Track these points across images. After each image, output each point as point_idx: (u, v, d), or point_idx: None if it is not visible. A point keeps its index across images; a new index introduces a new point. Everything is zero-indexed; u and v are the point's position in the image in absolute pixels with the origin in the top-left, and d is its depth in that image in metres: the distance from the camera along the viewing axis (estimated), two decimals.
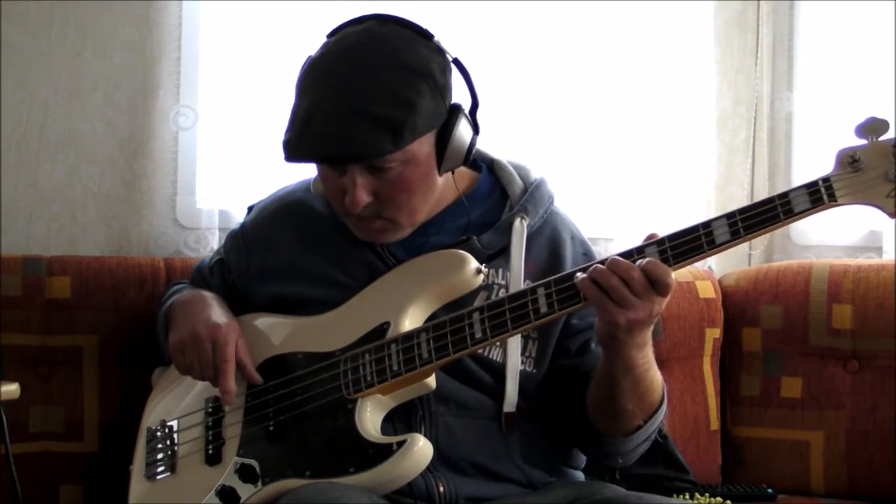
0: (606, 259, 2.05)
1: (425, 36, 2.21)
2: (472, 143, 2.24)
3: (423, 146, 2.17)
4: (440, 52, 2.20)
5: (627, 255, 2.07)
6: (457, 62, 2.22)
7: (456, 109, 2.19)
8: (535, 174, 2.37)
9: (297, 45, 2.99)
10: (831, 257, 3.17)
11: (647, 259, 2.03)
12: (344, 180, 2.18)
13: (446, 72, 2.19)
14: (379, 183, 2.17)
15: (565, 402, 2.28)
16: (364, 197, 2.17)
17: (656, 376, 2.16)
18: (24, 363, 2.72)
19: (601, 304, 2.03)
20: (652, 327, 2.07)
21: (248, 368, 2.26)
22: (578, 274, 2.06)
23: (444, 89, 2.17)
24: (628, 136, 3.28)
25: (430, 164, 2.20)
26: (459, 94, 2.23)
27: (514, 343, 2.22)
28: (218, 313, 2.31)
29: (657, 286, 2.01)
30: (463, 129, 2.20)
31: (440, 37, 2.22)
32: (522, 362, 2.24)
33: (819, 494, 2.92)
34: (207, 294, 2.40)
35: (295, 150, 2.16)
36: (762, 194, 3.31)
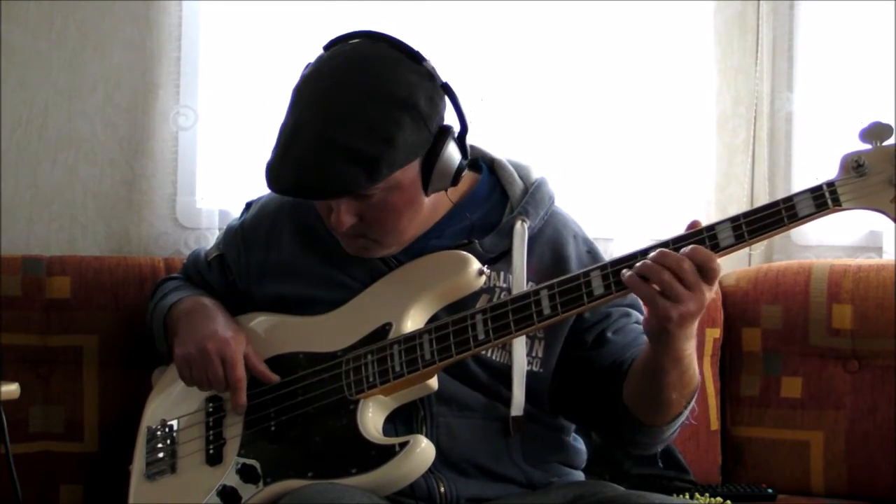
0: (647, 251, 2.03)
1: (415, 59, 2.17)
2: (461, 167, 2.20)
3: (408, 173, 2.15)
4: (429, 76, 2.16)
5: (631, 257, 2.05)
6: (446, 87, 2.18)
7: (444, 132, 2.16)
8: (535, 174, 2.35)
9: (296, 45, 3.01)
10: (831, 257, 3.16)
11: (689, 246, 2.01)
12: (331, 200, 2.17)
13: (434, 97, 2.15)
14: (363, 206, 2.16)
15: (586, 395, 2.27)
16: (348, 219, 2.16)
17: (696, 363, 2.13)
18: (24, 363, 2.73)
19: (653, 301, 1.99)
20: (699, 317, 2.04)
21: (262, 370, 2.26)
22: (625, 271, 2.03)
23: (429, 118, 2.13)
24: (628, 135, 3.27)
25: (415, 188, 2.17)
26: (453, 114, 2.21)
27: (520, 346, 2.21)
28: (223, 325, 2.30)
29: (705, 273, 1.98)
30: (450, 153, 2.17)
31: (435, 51, 2.20)
32: (529, 363, 2.23)
33: (819, 494, 2.92)
34: (209, 302, 2.39)
35: (273, 180, 2.15)
36: (762, 194, 3.32)
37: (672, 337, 2.02)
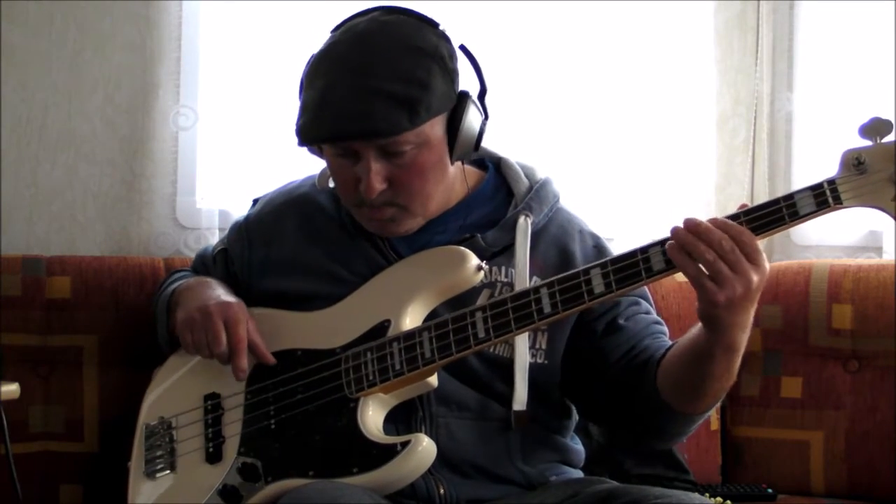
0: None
1: (431, 24, 2.22)
2: (482, 130, 2.24)
3: (436, 129, 2.17)
4: (446, 39, 2.20)
5: (631, 255, 2.05)
6: (463, 48, 2.23)
7: (464, 96, 2.20)
8: (540, 174, 2.37)
9: (297, 45, 3.01)
10: (831, 257, 3.16)
11: (722, 222, 1.98)
12: (357, 168, 2.17)
13: (454, 58, 2.20)
14: (393, 168, 2.17)
15: (601, 385, 2.26)
16: (378, 183, 2.16)
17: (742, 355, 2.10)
18: (24, 363, 2.72)
19: (698, 283, 1.96)
20: (755, 306, 2.01)
21: (260, 349, 2.24)
22: (670, 243, 1.99)
23: (454, 73, 2.18)
24: (628, 136, 3.28)
25: (442, 150, 2.20)
26: (466, 83, 2.23)
27: (522, 339, 2.20)
28: (226, 293, 2.31)
29: (745, 250, 1.95)
30: (472, 116, 2.21)
31: (445, 27, 2.23)
32: (532, 355, 2.23)
33: (819, 494, 2.91)
34: (212, 279, 2.40)
35: (310, 132, 2.16)
36: (762, 194, 3.32)
37: (723, 323, 1.99)
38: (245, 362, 2.21)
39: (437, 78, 2.14)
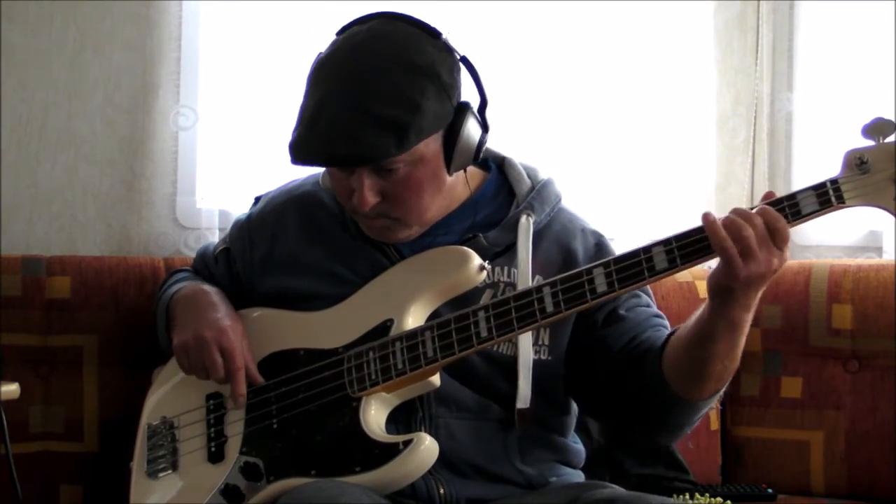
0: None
1: (433, 34, 2.19)
2: (482, 142, 2.22)
3: (431, 146, 2.16)
4: (448, 50, 2.18)
5: (633, 254, 2.06)
6: (465, 60, 2.20)
7: (464, 108, 2.18)
8: (543, 174, 2.36)
9: (297, 45, 3.01)
10: (831, 257, 3.17)
11: (758, 206, 2.01)
12: (352, 180, 2.17)
13: (454, 71, 2.17)
14: (386, 184, 2.16)
15: (605, 377, 2.25)
16: (371, 198, 2.16)
17: (744, 342, 2.11)
18: (24, 363, 2.72)
19: (726, 255, 1.98)
20: (762, 290, 2.04)
21: (251, 370, 2.26)
22: (707, 212, 2.02)
23: (451, 88, 2.16)
24: (628, 136, 3.28)
25: (437, 164, 2.18)
26: (469, 93, 2.22)
27: (525, 337, 2.20)
28: (222, 313, 2.30)
29: (774, 235, 1.99)
30: (471, 128, 2.19)
31: (448, 35, 2.21)
32: (535, 352, 2.22)
33: (819, 494, 2.91)
34: (210, 289, 2.39)
35: (300, 152, 2.15)
36: (762, 194, 3.31)
37: (734, 300, 2.01)
38: (244, 388, 2.24)
39: (431, 98, 2.12)
